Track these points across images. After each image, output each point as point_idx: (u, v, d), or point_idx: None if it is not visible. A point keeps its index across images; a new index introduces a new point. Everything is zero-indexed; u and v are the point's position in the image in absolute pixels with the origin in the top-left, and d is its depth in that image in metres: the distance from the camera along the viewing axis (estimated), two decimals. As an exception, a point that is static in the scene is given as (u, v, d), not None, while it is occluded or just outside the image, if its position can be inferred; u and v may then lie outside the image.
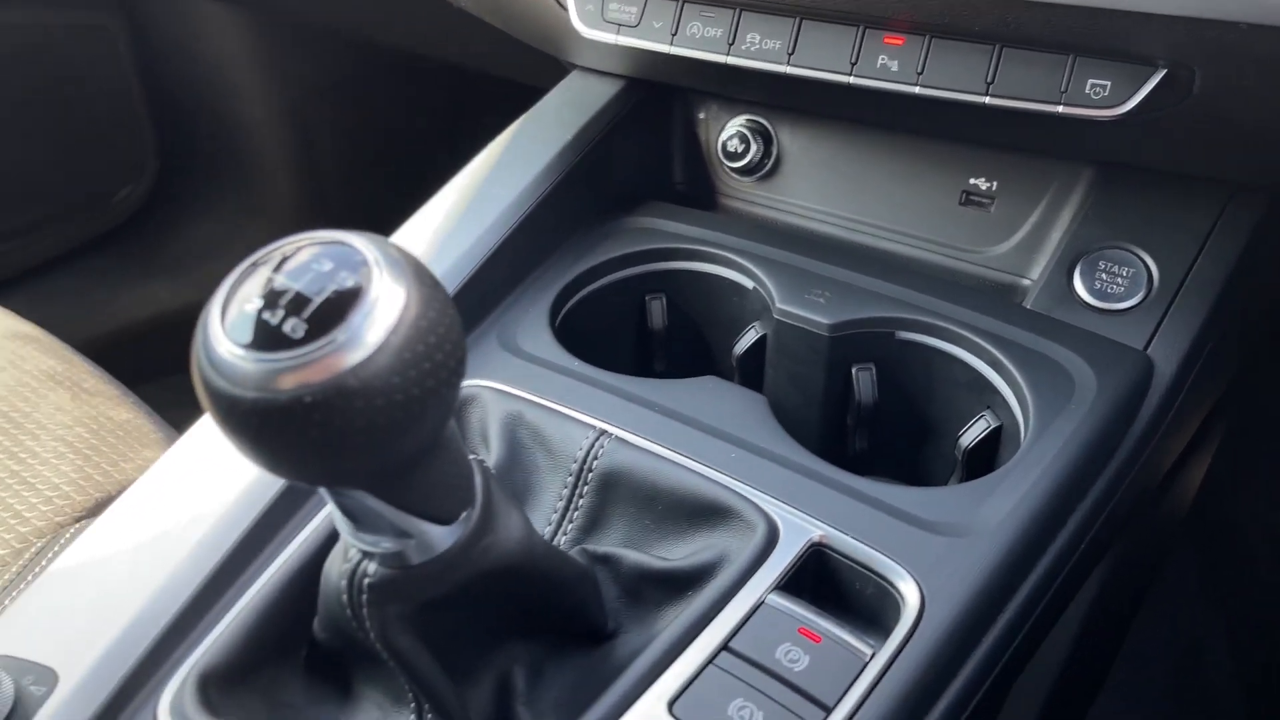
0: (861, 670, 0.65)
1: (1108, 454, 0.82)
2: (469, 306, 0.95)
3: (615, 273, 1.03)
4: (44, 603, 0.73)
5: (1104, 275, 0.92)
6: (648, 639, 0.69)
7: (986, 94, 0.84)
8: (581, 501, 0.79)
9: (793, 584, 0.70)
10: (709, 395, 0.86)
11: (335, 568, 0.61)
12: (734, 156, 1.13)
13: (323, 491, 0.55)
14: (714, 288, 1.03)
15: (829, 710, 0.63)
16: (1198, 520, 1.13)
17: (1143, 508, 0.92)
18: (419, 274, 0.49)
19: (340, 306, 0.46)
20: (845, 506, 0.74)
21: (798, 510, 0.74)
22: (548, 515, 0.80)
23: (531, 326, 0.94)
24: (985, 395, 0.90)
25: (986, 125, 0.94)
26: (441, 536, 0.58)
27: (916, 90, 0.86)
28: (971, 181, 1.02)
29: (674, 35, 0.95)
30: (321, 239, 0.49)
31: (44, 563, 0.90)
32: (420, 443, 0.50)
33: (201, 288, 2.43)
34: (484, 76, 2.28)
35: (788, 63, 0.90)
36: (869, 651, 0.66)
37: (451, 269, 0.94)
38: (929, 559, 0.71)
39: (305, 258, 0.47)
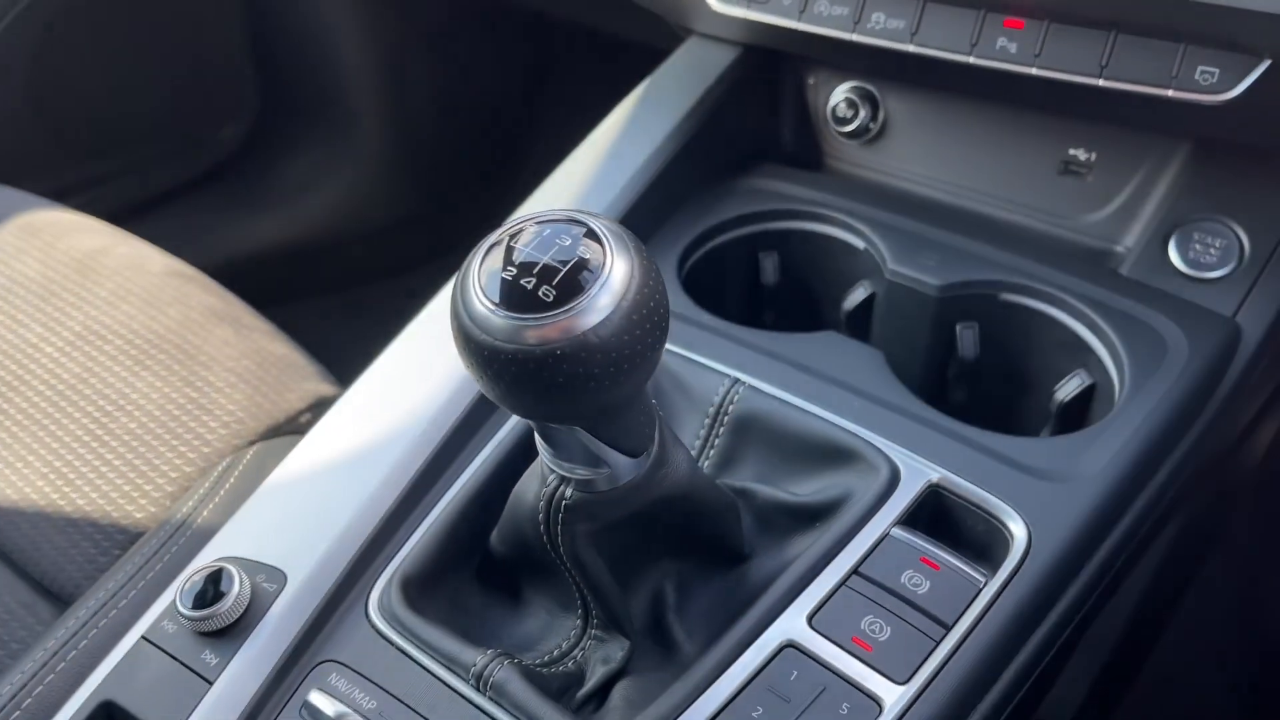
0: (976, 595, 0.74)
1: (1195, 412, 0.90)
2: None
3: (734, 230, 1.11)
4: (266, 513, 0.85)
5: (1198, 245, 0.99)
6: (782, 563, 0.79)
7: (1100, 76, 0.90)
8: (717, 441, 0.89)
9: (912, 519, 0.79)
10: (830, 349, 0.95)
11: (532, 491, 0.71)
12: (843, 121, 1.19)
13: (537, 426, 0.65)
14: (826, 247, 1.11)
15: (949, 627, 0.73)
16: (1265, 475, 1.20)
17: (1220, 462, 1.00)
18: (639, 248, 0.58)
19: (581, 276, 0.55)
20: (959, 452, 0.83)
21: (916, 455, 0.83)
22: (686, 452, 0.89)
23: None
24: (1080, 355, 0.98)
25: (1090, 102, 1.00)
26: (629, 468, 0.68)
27: (1034, 71, 0.92)
28: (1070, 152, 1.08)
29: (802, 12, 1.02)
30: (558, 217, 0.58)
31: (230, 480, 1.02)
32: (633, 388, 0.60)
33: (297, 225, 2.52)
34: (568, 37, 2.35)
35: (910, 42, 0.97)
36: (983, 580, 0.75)
37: (591, 227, 1.02)
38: (1035, 502, 0.79)
39: (549, 233, 0.57)
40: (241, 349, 1.16)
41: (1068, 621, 0.79)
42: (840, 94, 1.20)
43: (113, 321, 1.20)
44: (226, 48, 2.25)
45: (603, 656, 0.77)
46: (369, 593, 0.79)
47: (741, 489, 0.84)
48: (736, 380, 0.89)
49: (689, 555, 0.80)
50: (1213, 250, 0.98)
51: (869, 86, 1.19)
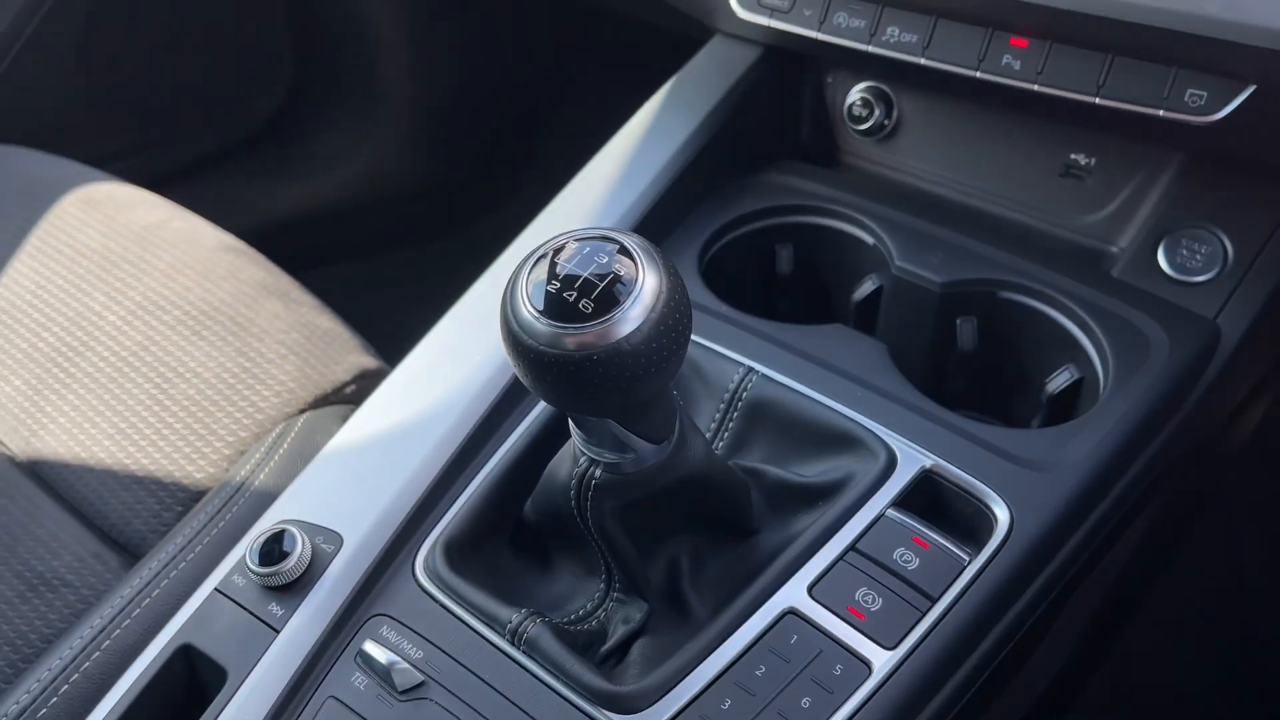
0: (960, 572, 0.83)
1: (1175, 407, 0.98)
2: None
3: (753, 224, 1.18)
4: (323, 480, 0.95)
5: (1184, 251, 1.06)
6: (787, 538, 0.88)
7: (1097, 95, 0.97)
8: (731, 424, 0.97)
9: (906, 501, 0.88)
10: (837, 341, 1.03)
11: (564, 469, 0.80)
12: (858, 119, 1.26)
13: (572, 414, 0.74)
14: (838, 241, 1.18)
15: (934, 600, 0.81)
16: (1252, 453, 1.27)
17: (1197, 453, 1.08)
18: (666, 264, 0.66)
19: (616, 290, 0.63)
20: (952, 441, 0.91)
21: (912, 442, 0.91)
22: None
23: (683, 272, 1.11)
24: (1070, 351, 1.05)
25: (1088, 115, 1.06)
26: (652, 453, 0.76)
27: (1035, 88, 0.99)
28: (1072, 156, 1.15)
29: (821, 23, 1.08)
30: (595, 235, 0.66)
31: (284, 446, 1.12)
32: (658, 388, 0.68)
33: (328, 193, 2.58)
34: (595, 18, 2.39)
35: (922, 55, 1.04)
36: (967, 558, 0.84)
37: (620, 220, 1.10)
38: (1018, 488, 0.88)
39: (588, 250, 0.65)
40: (290, 322, 1.24)
41: (1042, 598, 0.88)
42: (856, 93, 1.26)
43: (170, 293, 1.28)
44: (264, 18, 2.31)
45: (623, 617, 0.86)
46: (415, 555, 0.88)
47: (752, 469, 0.93)
48: (750, 369, 0.97)
49: (703, 529, 0.89)
50: (1198, 256, 1.05)
51: (884, 87, 1.26)
